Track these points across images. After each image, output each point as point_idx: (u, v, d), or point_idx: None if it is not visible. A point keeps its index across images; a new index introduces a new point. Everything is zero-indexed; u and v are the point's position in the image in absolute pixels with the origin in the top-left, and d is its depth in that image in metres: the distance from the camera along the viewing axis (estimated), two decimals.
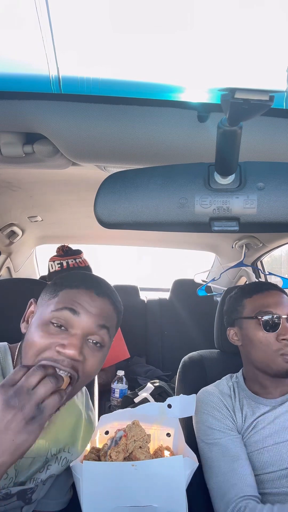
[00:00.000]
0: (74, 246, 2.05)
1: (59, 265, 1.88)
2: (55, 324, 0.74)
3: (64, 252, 1.94)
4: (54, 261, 1.91)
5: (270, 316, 1.01)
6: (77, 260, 1.91)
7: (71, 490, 0.97)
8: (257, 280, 2.13)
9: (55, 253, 1.98)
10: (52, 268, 1.90)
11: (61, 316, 0.74)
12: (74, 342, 0.72)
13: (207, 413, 1.07)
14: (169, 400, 1.00)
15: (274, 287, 1.09)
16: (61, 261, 1.90)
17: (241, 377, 1.13)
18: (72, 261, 1.90)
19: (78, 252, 1.96)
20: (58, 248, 1.97)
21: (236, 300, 1.12)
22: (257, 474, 1.00)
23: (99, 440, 0.98)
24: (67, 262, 1.89)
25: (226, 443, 1.01)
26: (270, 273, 2.01)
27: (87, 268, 1.92)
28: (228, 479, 0.96)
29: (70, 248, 1.97)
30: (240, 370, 1.16)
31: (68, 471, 0.91)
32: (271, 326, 1.00)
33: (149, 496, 0.82)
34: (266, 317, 1.01)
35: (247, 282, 2.33)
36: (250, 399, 1.08)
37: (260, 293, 1.07)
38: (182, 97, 0.67)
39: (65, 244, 2.00)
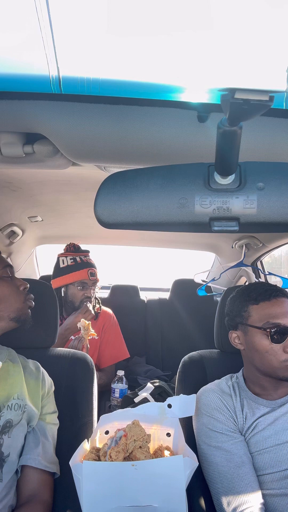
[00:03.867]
0: None
1: (72, 260, 1.96)
2: (6, 277, 1.07)
3: (75, 248, 2.03)
4: (66, 257, 1.98)
5: (279, 328, 0.99)
6: (87, 258, 2.01)
7: (52, 457, 1.02)
8: (257, 281, 2.13)
9: (63, 250, 2.05)
10: (64, 263, 1.97)
11: (7, 271, 1.08)
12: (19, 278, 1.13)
13: (208, 415, 1.06)
14: (169, 400, 1.00)
15: (281, 293, 1.06)
16: (74, 256, 1.97)
17: (241, 378, 1.13)
18: (84, 257, 1.99)
19: (87, 251, 2.06)
20: (68, 245, 2.05)
21: (241, 304, 1.09)
22: (258, 475, 1.00)
23: (99, 439, 0.98)
24: (80, 258, 1.98)
25: (230, 447, 1.00)
26: (270, 273, 2.01)
27: (93, 266, 2.01)
28: (234, 486, 0.95)
29: (79, 246, 2.06)
30: (241, 371, 1.16)
31: (35, 434, 1.01)
32: (278, 337, 0.99)
33: (149, 496, 0.82)
34: (274, 329, 0.99)
35: (247, 283, 2.33)
36: (250, 400, 1.07)
37: (267, 301, 1.04)
38: (182, 97, 0.68)
39: (72, 242, 2.08)
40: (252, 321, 1.04)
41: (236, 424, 1.05)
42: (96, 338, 1.99)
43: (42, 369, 1.12)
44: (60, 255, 2.02)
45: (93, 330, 1.75)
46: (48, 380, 1.11)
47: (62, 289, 1.97)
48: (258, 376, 1.06)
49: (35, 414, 1.02)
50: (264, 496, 0.98)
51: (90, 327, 1.74)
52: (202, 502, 1.03)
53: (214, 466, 1.00)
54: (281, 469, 0.99)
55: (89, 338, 1.76)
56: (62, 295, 1.97)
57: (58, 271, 1.98)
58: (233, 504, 0.93)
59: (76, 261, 1.96)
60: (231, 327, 1.12)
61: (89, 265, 1.97)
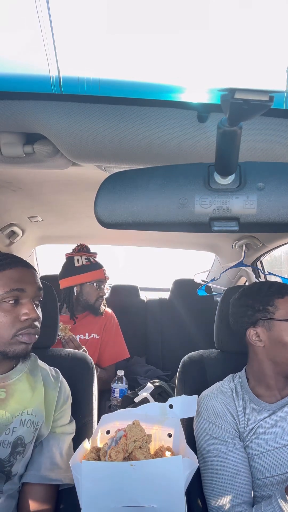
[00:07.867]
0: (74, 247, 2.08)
1: (87, 260, 2.01)
2: (9, 302, 0.89)
3: (87, 249, 2.08)
4: (81, 256, 2.02)
5: None
6: (96, 259, 2.05)
7: (58, 467, 0.99)
8: (257, 281, 2.13)
9: (74, 251, 2.08)
10: (79, 263, 2.00)
11: (13, 295, 0.90)
12: (30, 307, 0.90)
13: (209, 421, 1.04)
14: (170, 401, 1.00)
15: None
16: (89, 257, 2.02)
17: (244, 378, 1.11)
18: (94, 259, 2.04)
19: (95, 253, 2.11)
20: (81, 245, 2.08)
21: (265, 298, 1.07)
22: (258, 479, 1.00)
23: (100, 439, 0.98)
24: (93, 259, 2.03)
25: (227, 455, 1.00)
26: (270, 273, 2.01)
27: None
28: (225, 494, 0.96)
29: (88, 247, 2.11)
30: (243, 370, 1.14)
31: (41, 445, 0.99)
32: None
33: (148, 496, 0.82)
34: None
35: (247, 283, 2.33)
36: (253, 403, 1.06)
37: None
38: (182, 97, 0.68)
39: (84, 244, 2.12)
40: (279, 314, 1.03)
41: (237, 430, 1.04)
42: (97, 338, 1.99)
43: (61, 378, 1.08)
44: (73, 255, 2.04)
45: (69, 332, 1.74)
46: (66, 390, 1.07)
47: (75, 288, 1.96)
48: (269, 374, 1.04)
49: (46, 430, 0.99)
50: (264, 497, 0.98)
51: (67, 330, 1.73)
52: (202, 503, 1.03)
53: (209, 471, 1.00)
54: (281, 472, 0.98)
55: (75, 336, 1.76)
56: (75, 294, 1.97)
57: (72, 270, 1.99)
58: (222, 511, 0.95)
59: (91, 261, 2.00)
60: (249, 324, 1.07)
61: (102, 265, 2.04)
